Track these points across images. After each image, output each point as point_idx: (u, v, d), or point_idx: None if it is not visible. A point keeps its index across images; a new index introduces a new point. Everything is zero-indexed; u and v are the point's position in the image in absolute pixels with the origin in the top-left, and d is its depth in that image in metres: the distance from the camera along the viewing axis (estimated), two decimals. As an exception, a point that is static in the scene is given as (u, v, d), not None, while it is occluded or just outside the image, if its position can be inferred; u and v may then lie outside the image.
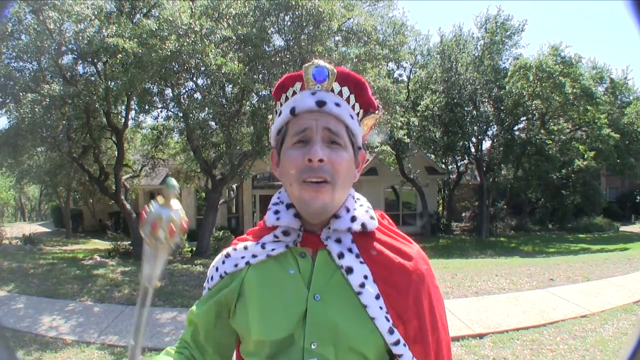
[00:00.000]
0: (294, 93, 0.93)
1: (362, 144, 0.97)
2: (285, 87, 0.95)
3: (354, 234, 0.92)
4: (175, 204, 0.77)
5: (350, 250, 0.90)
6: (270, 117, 1.02)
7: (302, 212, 0.90)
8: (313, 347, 0.85)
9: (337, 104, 0.91)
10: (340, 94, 0.92)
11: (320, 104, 0.90)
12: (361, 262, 0.89)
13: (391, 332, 0.86)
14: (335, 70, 0.92)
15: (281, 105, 0.96)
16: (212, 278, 0.98)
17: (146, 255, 0.79)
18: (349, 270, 0.88)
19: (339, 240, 0.91)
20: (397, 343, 0.87)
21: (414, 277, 0.91)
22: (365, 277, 0.88)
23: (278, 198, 0.98)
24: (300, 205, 0.89)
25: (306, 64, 0.93)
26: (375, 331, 0.86)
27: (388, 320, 0.87)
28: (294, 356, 0.86)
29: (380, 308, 0.87)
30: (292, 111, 0.91)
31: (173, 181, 0.76)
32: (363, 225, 0.92)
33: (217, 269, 0.98)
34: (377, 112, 0.98)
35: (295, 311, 0.87)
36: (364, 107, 0.96)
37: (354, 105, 0.94)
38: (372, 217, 0.95)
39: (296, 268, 0.91)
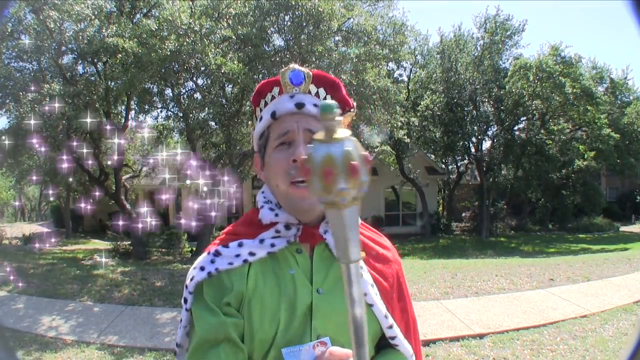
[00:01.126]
0: (273, 98, 0.97)
1: None
2: (264, 93, 0.99)
3: None
4: (342, 132, 0.53)
5: None
6: (250, 123, 1.06)
7: (292, 211, 0.93)
8: (320, 339, 0.87)
9: (315, 105, 0.94)
10: (317, 95, 0.96)
11: (299, 106, 0.93)
12: None
13: (387, 317, 0.93)
14: (311, 73, 0.96)
15: (261, 110, 0.99)
16: (192, 278, 0.91)
17: (332, 222, 0.55)
18: None
19: None
20: (391, 326, 0.93)
21: (393, 265, 1.02)
22: (361, 267, 0.92)
23: (264, 197, 0.98)
24: (290, 204, 0.92)
25: (282, 69, 0.97)
26: (373, 317, 0.91)
27: (383, 305, 0.93)
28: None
29: (376, 294, 0.93)
30: (273, 115, 0.94)
31: (329, 102, 0.53)
32: None
33: (202, 269, 0.91)
34: (352, 110, 1.02)
35: (301, 307, 0.88)
36: (341, 106, 0.98)
37: None
38: None
39: (295, 265, 0.92)
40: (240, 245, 0.92)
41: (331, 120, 0.53)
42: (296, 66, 0.96)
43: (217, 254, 0.93)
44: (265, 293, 0.89)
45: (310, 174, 0.53)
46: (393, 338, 0.93)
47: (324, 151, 0.52)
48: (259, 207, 0.97)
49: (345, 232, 0.54)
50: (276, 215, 0.94)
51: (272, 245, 0.92)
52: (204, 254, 0.95)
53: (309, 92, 0.96)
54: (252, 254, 0.91)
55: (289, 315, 0.87)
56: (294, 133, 0.91)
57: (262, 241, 0.92)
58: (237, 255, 0.91)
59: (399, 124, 12.69)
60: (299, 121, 0.92)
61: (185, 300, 0.92)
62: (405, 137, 14.84)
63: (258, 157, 1.00)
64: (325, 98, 0.97)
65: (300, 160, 0.87)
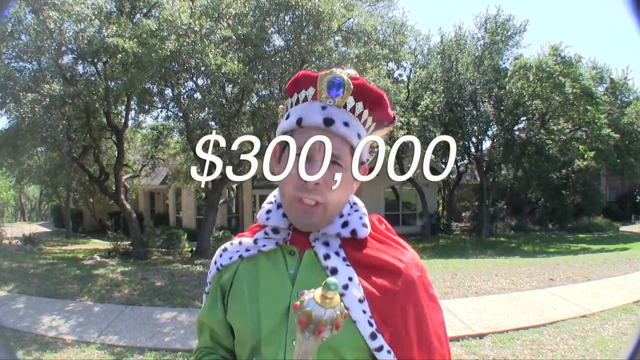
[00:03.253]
0: (305, 99, 0.91)
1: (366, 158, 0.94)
2: (299, 86, 0.92)
3: (342, 239, 0.92)
4: (335, 301, 0.71)
5: (337, 253, 0.90)
6: (281, 107, 0.99)
7: (291, 220, 0.92)
8: (294, 344, 0.83)
9: (346, 124, 0.87)
10: (352, 110, 0.89)
11: (328, 122, 0.86)
12: (347, 265, 0.89)
13: (374, 337, 0.84)
14: (352, 86, 0.87)
15: (292, 105, 0.94)
16: (211, 271, 1.02)
17: (301, 346, 0.73)
18: (334, 271, 0.88)
19: (326, 243, 0.91)
20: (380, 349, 0.85)
21: (403, 283, 0.89)
22: (350, 279, 0.87)
23: (274, 196, 1.00)
24: (290, 216, 0.91)
25: (322, 73, 0.88)
26: (356, 334, 0.85)
27: (371, 325, 0.85)
28: (275, 352, 0.86)
29: (364, 312, 0.85)
30: (299, 122, 0.88)
31: (334, 280, 0.70)
32: (353, 231, 0.91)
33: (215, 262, 1.01)
34: (392, 124, 0.96)
35: (278, 307, 0.88)
36: (378, 121, 0.94)
37: (366, 120, 0.91)
38: (364, 225, 0.93)
39: (285, 265, 0.92)
40: (240, 242, 0.99)
41: (332, 294, 0.69)
42: (338, 73, 0.87)
43: (224, 249, 1.01)
44: (248, 288, 0.93)
45: (305, 324, 0.70)
46: None
47: (321, 314, 0.70)
48: (262, 207, 1.00)
49: (307, 354, 0.73)
50: (267, 219, 0.95)
51: (264, 245, 0.95)
52: (219, 249, 1.04)
53: (345, 106, 0.88)
54: (247, 250, 0.97)
55: (264, 313, 0.88)
56: (314, 152, 0.86)
57: (255, 241, 0.96)
58: (237, 251, 0.98)
59: (399, 124, 12.70)
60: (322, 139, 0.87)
61: (206, 285, 1.04)
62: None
63: (279, 148, 0.94)
64: (361, 114, 0.90)
65: (311, 183, 0.85)
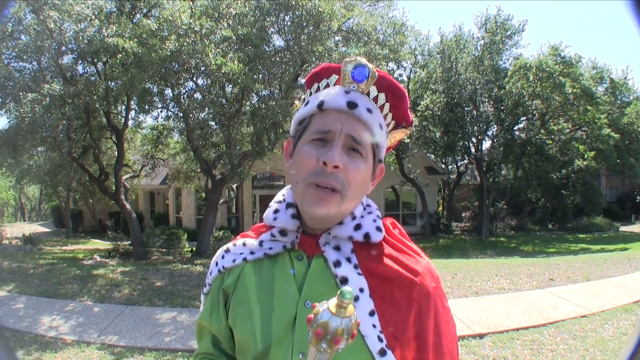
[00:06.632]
0: (327, 86, 0.88)
1: (383, 157, 0.90)
2: (320, 76, 0.90)
3: (355, 243, 0.86)
4: (350, 310, 0.69)
5: (348, 259, 0.85)
6: (297, 103, 0.98)
7: (303, 214, 0.86)
8: (300, 356, 0.81)
9: (369, 110, 0.84)
10: (375, 99, 0.86)
11: (352, 105, 0.83)
12: (359, 274, 0.84)
13: (383, 353, 0.80)
14: (377, 74, 0.85)
15: (310, 94, 0.90)
16: (211, 272, 0.96)
17: (313, 358, 0.71)
18: (344, 280, 0.83)
19: (337, 248, 0.86)
20: None
21: (418, 295, 0.84)
22: (361, 290, 0.82)
23: (283, 195, 0.94)
24: (302, 206, 0.84)
25: (347, 59, 0.86)
26: (364, 349, 0.80)
27: (381, 341, 0.80)
28: None
29: (374, 326, 0.81)
30: (320, 105, 0.84)
31: (348, 288, 0.69)
32: (366, 235, 0.86)
33: (216, 264, 0.95)
34: (409, 127, 0.92)
35: (284, 316, 0.83)
36: (397, 119, 0.90)
37: (387, 114, 0.88)
38: (378, 228, 0.88)
39: (292, 272, 0.87)
40: (244, 244, 0.93)
41: (347, 302, 0.68)
42: (363, 61, 0.84)
43: (227, 250, 0.96)
44: (253, 294, 0.87)
45: (322, 336, 0.68)
46: None
47: (338, 324, 0.68)
48: (269, 206, 0.94)
49: None
50: (275, 219, 0.89)
51: (270, 248, 0.89)
52: (220, 249, 0.98)
53: (368, 93, 0.86)
54: (252, 253, 0.91)
55: (269, 321, 0.84)
56: (335, 135, 0.82)
57: (261, 243, 0.91)
58: (241, 253, 0.93)
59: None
60: (344, 123, 0.82)
61: (205, 286, 0.99)
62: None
63: (291, 142, 0.90)
64: (383, 106, 0.87)
65: (330, 166, 0.80)
